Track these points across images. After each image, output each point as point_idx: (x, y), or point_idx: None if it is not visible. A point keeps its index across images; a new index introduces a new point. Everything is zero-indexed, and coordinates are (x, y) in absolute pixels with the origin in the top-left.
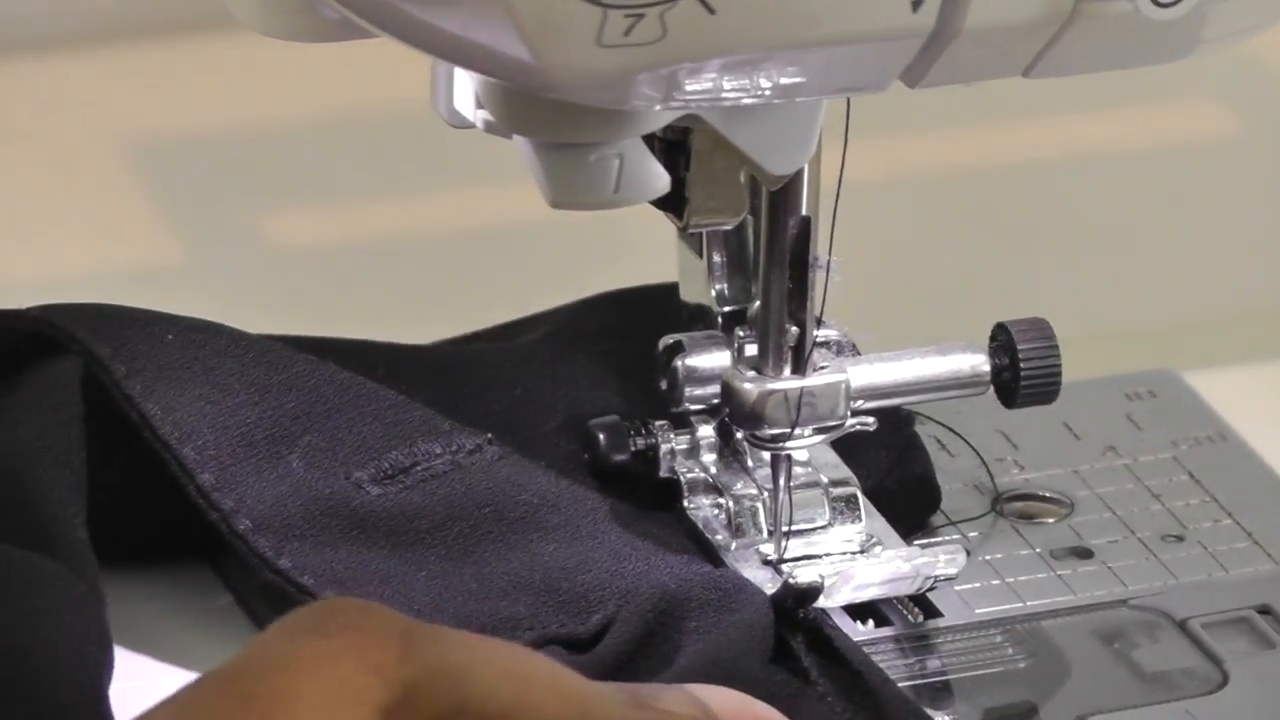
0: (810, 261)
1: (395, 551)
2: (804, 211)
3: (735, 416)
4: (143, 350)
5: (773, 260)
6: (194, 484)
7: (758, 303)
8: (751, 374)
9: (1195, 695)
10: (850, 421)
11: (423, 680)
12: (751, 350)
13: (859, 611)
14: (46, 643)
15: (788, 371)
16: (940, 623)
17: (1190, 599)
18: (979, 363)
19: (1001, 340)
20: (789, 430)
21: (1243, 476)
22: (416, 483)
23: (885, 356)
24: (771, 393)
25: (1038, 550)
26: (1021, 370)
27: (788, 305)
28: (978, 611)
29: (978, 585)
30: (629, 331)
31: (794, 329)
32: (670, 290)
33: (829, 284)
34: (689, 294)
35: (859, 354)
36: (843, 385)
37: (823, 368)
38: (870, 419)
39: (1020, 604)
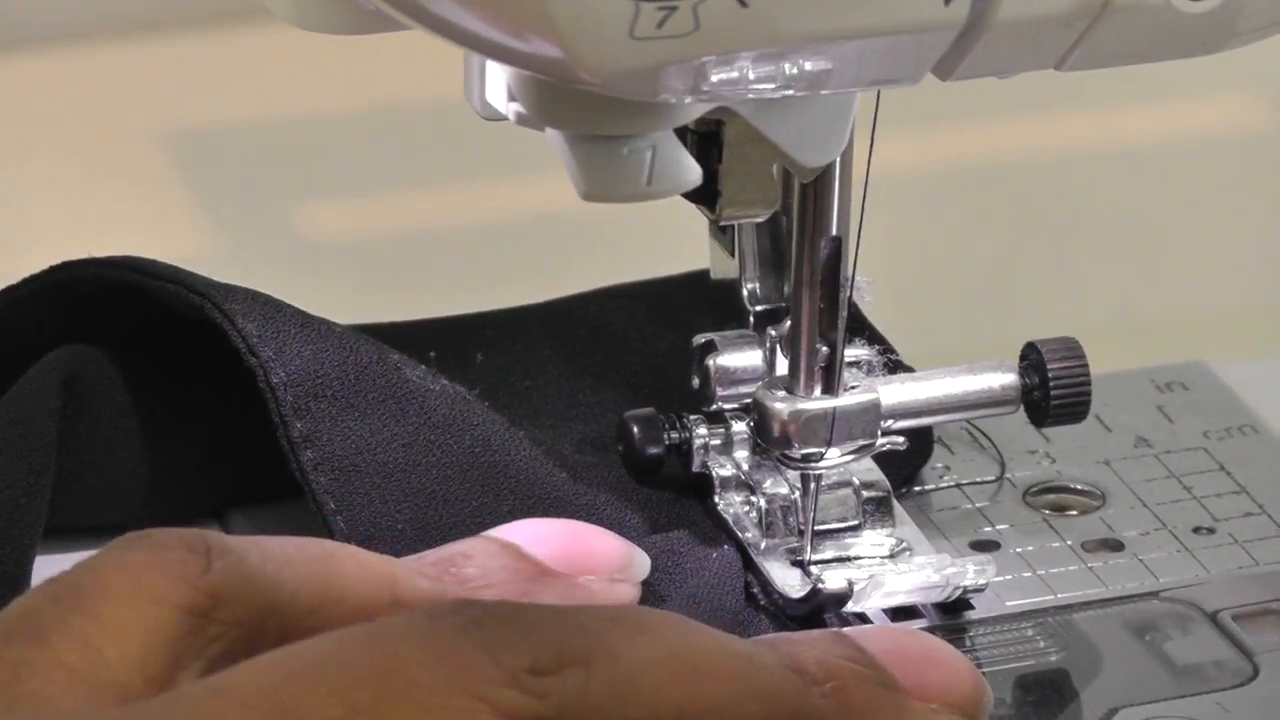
0: (841, 282)
1: (418, 433)
2: (837, 216)
3: (763, 435)
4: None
5: (803, 280)
6: (236, 330)
7: (789, 321)
8: (782, 394)
9: (1226, 688)
10: (881, 441)
11: (225, 586)
12: (783, 364)
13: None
14: None
15: (819, 392)
16: (971, 615)
17: (1221, 591)
18: (1009, 382)
19: (1032, 359)
20: (821, 450)
21: (1274, 468)
22: (447, 386)
23: (917, 376)
24: (803, 414)
25: (1069, 542)
26: (1052, 390)
27: (819, 325)
28: (1009, 604)
29: (1009, 578)
30: (659, 322)
31: (824, 349)
32: (700, 278)
33: (862, 305)
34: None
35: (892, 369)
36: (874, 404)
37: (853, 387)
38: (900, 438)
39: (1051, 596)
